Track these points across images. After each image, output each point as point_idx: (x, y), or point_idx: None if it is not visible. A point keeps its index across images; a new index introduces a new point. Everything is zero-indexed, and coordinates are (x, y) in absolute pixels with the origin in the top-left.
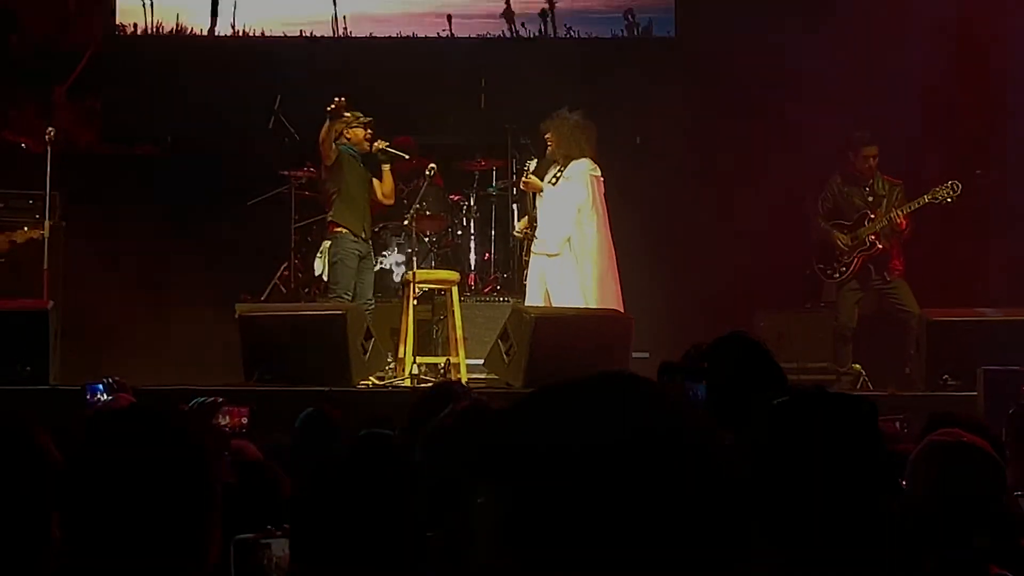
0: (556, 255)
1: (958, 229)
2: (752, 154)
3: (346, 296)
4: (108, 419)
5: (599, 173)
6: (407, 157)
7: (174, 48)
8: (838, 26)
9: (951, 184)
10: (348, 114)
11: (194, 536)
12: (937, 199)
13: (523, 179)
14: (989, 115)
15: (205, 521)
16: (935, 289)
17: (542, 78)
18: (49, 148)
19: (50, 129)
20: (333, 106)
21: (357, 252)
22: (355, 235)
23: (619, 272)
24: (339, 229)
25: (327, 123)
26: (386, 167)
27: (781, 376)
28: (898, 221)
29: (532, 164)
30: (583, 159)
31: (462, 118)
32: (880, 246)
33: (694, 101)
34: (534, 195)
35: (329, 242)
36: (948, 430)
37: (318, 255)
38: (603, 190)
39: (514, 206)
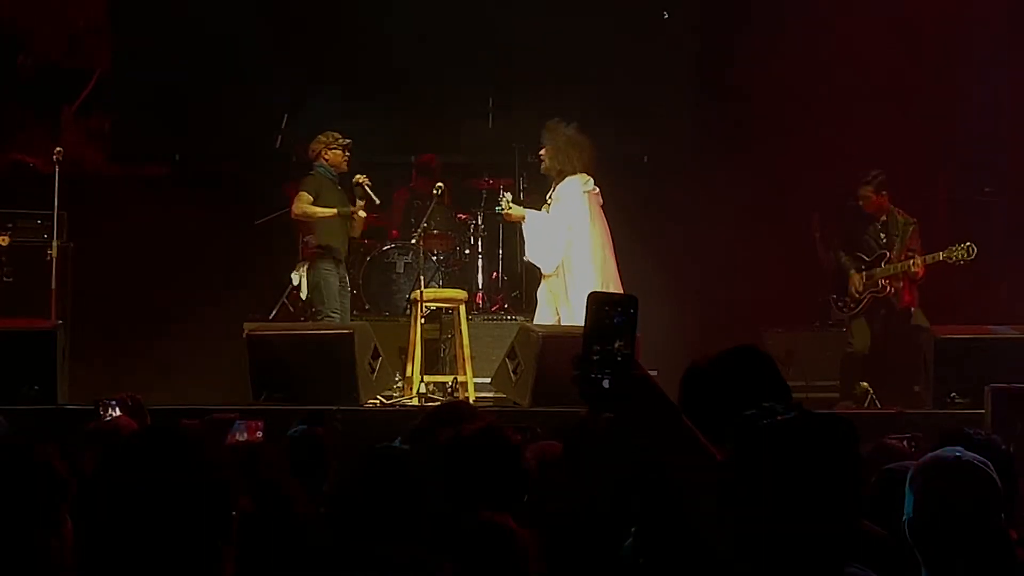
0: (551, 276)
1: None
2: (763, 173)
3: (334, 315)
4: (127, 443)
5: (592, 187)
6: (378, 202)
7: (181, 68)
8: (847, 45)
9: (967, 246)
10: (328, 136)
11: (208, 563)
12: (952, 259)
13: (504, 213)
14: (999, 132)
15: (220, 548)
16: (944, 307)
17: (550, 97)
18: (57, 168)
19: (58, 149)
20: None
21: (335, 273)
22: (334, 258)
23: (625, 288)
24: (318, 251)
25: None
26: (360, 202)
27: (787, 391)
28: (915, 271)
29: (508, 196)
30: (575, 176)
31: (469, 137)
32: (891, 290)
33: (703, 120)
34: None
35: (307, 263)
36: (946, 448)
37: (295, 271)
38: (600, 202)
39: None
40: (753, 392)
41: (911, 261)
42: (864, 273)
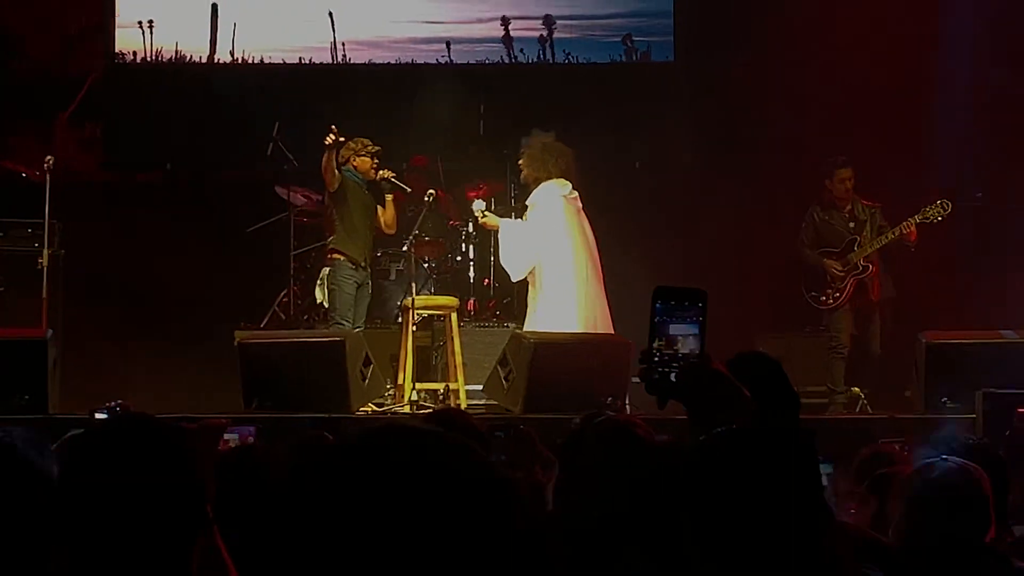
0: (518, 281)
1: (958, 249)
2: (751, 178)
3: (345, 323)
4: (94, 434)
5: (569, 191)
6: (409, 190)
7: (173, 75)
8: (837, 49)
9: (941, 203)
10: (357, 142)
11: (178, 552)
12: (928, 219)
13: (480, 221)
14: (989, 134)
15: (191, 538)
16: (934, 310)
17: (541, 104)
18: (48, 176)
19: (49, 158)
20: (331, 139)
21: (355, 280)
22: (353, 263)
23: (617, 296)
24: (337, 256)
25: (326, 153)
26: (389, 197)
27: (795, 398)
28: (908, 232)
29: (481, 205)
30: (549, 182)
31: (461, 144)
32: (872, 267)
33: (693, 126)
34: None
35: (328, 269)
36: (938, 454)
37: (318, 282)
38: (579, 207)
39: None
40: (761, 398)
41: (902, 225)
42: (840, 260)
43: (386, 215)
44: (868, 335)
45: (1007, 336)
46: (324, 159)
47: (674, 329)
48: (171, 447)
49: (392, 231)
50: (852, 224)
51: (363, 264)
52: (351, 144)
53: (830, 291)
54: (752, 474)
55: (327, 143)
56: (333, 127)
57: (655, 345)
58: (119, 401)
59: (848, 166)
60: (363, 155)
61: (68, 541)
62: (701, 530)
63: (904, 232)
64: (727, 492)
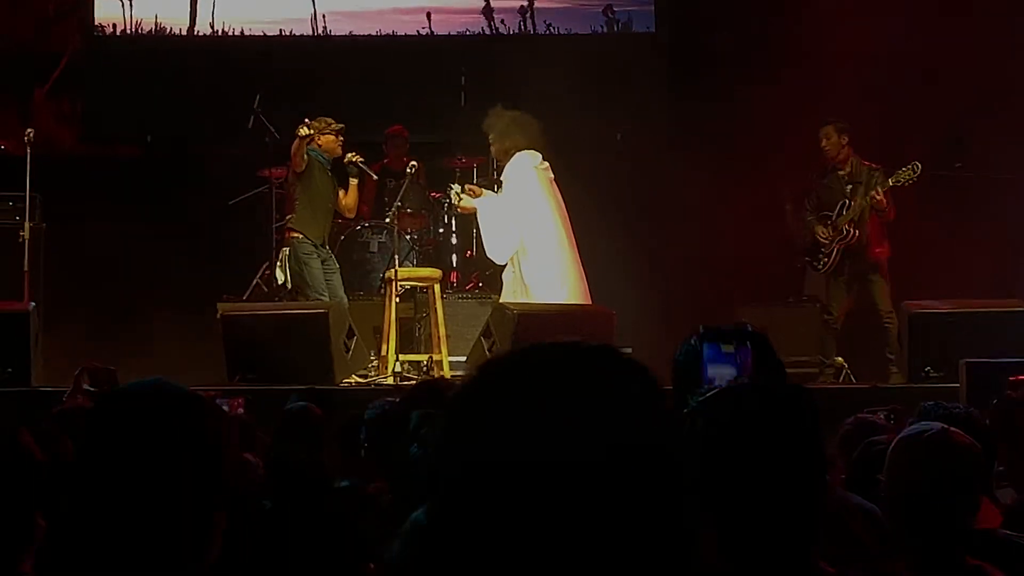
0: (504, 265)
1: (939, 219)
2: (733, 148)
3: (322, 296)
4: (121, 398)
5: (542, 162)
6: (375, 177)
7: (153, 48)
8: (820, 17)
9: (912, 165)
10: (320, 121)
11: (199, 528)
12: (900, 182)
13: (457, 207)
14: (971, 106)
15: (213, 513)
16: (917, 280)
17: (522, 75)
18: (29, 150)
19: (29, 131)
20: (303, 130)
21: (317, 255)
22: (312, 242)
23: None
24: (296, 235)
25: (297, 140)
26: (353, 181)
27: (781, 368)
28: (879, 199)
29: (456, 188)
30: (519, 154)
31: (443, 115)
32: (856, 233)
33: (674, 96)
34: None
35: (287, 249)
36: (926, 422)
37: (278, 263)
38: (551, 177)
39: None
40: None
41: (872, 192)
42: (829, 226)
43: (348, 199)
44: (872, 298)
45: (1011, 305)
46: (295, 144)
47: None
48: (195, 414)
49: (352, 215)
50: (849, 187)
51: (322, 243)
52: (315, 123)
53: (821, 255)
54: (759, 429)
55: (299, 134)
56: (307, 119)
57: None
58: (91, 362)
59: (831, 124)
60: (327, 133)
61: (88, 513)
62: (706, 489)
63: (876, 199)
64: (734, 447)
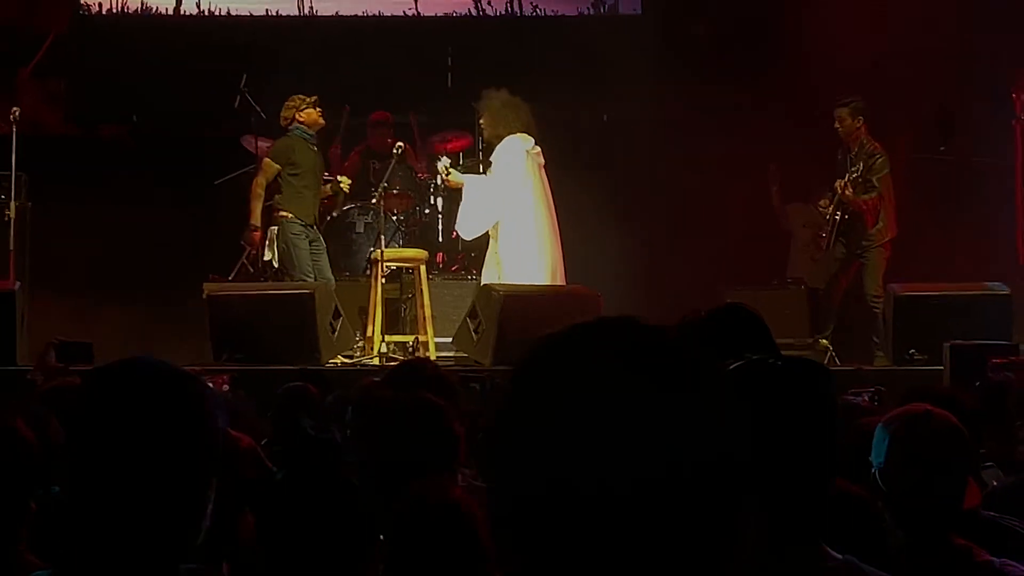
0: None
1: (924, 203)
2: (719, 131)
3: (307, 277)
4: (111, 375)
5: (532, 146)
6: (348, 193)
7: (139, 28)
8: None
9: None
10: (294, 99)
11: (193, 503)
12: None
13: (445, 179)
14: (955, 90)
15: (206, 488)
16: (901, 263)
17: (509, 56)
18: (14, 129)
19: (15, 109)
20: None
21: (305, 235)
22: (301, 222)
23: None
24: (284, 214)
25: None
26: (326, 187)
27: (775, 348)
28: (846, 193)
29: (446, 162)
30: (510, 137)
31: (429, 97)
32: (842, 215)
33: (661, 78)
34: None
35: (276, 228)
36: (913, 403)
37: (267, 242)
38: (542, 162)
39: None
40: (744, 347)
41: (838, 183)
42: (829, 204)
43: (324, 189)
44: (862, 280)
45: (994, 288)
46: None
47: None
48: (186, 391)
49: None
50: (854, 167)
51: (311, 223)
52: (289, 103)
53: (822, 234)
54: (780, 403)
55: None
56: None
57: None
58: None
59: (846, 106)
60: (305, 108)
61: (81, 492)
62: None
63: (843, 193)
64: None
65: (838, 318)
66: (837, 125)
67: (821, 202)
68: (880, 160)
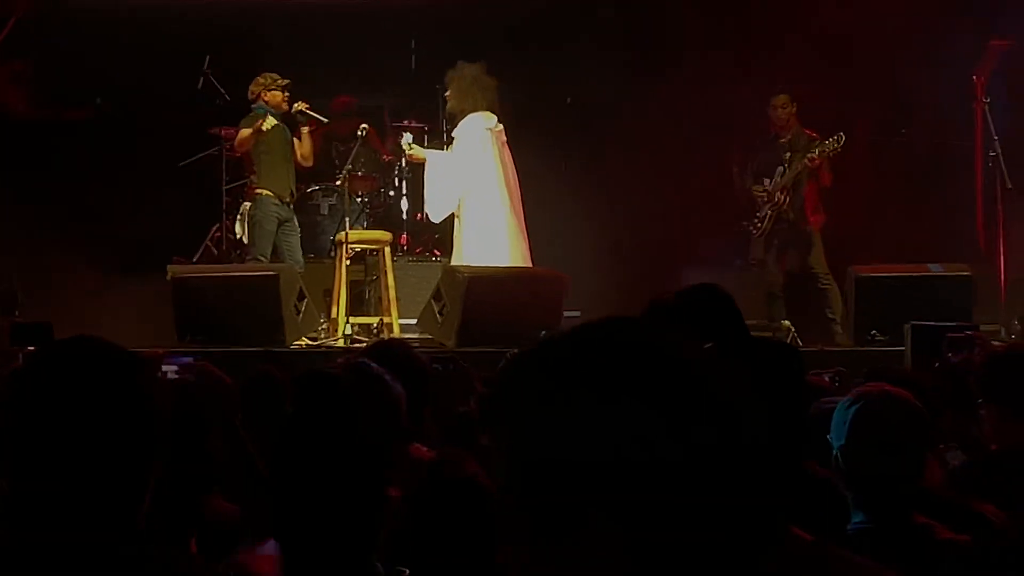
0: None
1: (886, 186)
2: (681, 113)
3: (261, 259)
4: (48, 356)
5: (496, 125)
6: (326, 121)
7: (103, 10)
8: None
9: (837, 137)
10: (266, 77)
11: (134, 482)
12: (826, 151)
13: (407, 154)
14: (917, 73)
15: (148, 467)
16: (863, 245)
17: (472, 38)
18: None
19: None
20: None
21: (277, 216)
22: (277, 198)
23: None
24: (260, 191)
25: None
26: (305, 129)
27: (745, 329)
28: (817, 162)
29: (408, 137)
30: (475, 114)
31: (393, 79)
32: (788, 199)
33: (623, 61)
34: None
35: (249, 204)
36: (872, 383)
37: (238, 217)
38: (504, 140)
39: None
40: (715, 328)
41: (809, 155)
42: (764, 191)
43: (303, 148)
44: (808, 262)
45: (934, 270)
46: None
47: None
48: (128, 372)
49: (309, 163)
50: (788, 154)
51: (287, 200)
52: (260, 79)
53: (756, 219)
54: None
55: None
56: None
57: None
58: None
59: (784, 94)
60: (273, 89)
61: (13, 472)
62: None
63: (814, 160)
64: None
65: (790, 301)
66: (779, 112)
67: (755, 187)
68: (819, 145)
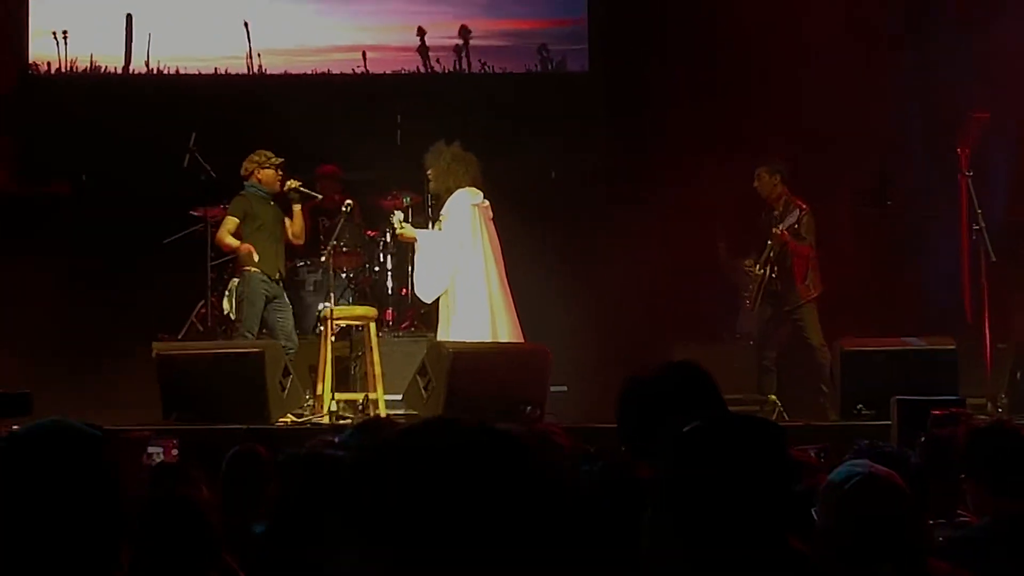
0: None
1: (872, 258)
2: (667, 186)
3: (248, 335)
4: (19, 439)
5: (480, 200)
6: (319, 197)
7: (88, 86)
8: (751, 56)
9: (795, 211)
10: (260, 155)
11: (101, 555)
12: (786, 225)
13: (397, 233)
14: (899, 145)
15: (113, 541)
16: (848, 317)
17: (457, 113)
18: None
19: None
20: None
21: (265, 292)
22: (266, 275)
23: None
24: (249, 269)
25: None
26: (297, 207)
27: (724, 406)
28: (782, 238)
29: (399, 215)
30: (460, 191)
31: (378, 154)
32: (771, 273)
33: (608, 135)
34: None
35: (237, 280)
36: (855, 462)
37: (226, 293)
38: (491, 215)
39: None
40: (693, 405)
41: (774, 230)
42: (753, 261)
43: (294, 226)
44: (803, 334)
45: (914, 343)
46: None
47: None
48: (90, 455)
49: (300, 241)
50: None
51: (276, 277)
52: (254, 157)
53: (747, 294)
54: (733, 463)
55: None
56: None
57: None
58: None
59: (764, 166)
60: (267, 167)
61: None
62: (681, 521)
63: (778, 237)
64: (709, 482)
65: (777, 375)
66: (756, 184)
67: (747, 262)
68: (807, 217)
